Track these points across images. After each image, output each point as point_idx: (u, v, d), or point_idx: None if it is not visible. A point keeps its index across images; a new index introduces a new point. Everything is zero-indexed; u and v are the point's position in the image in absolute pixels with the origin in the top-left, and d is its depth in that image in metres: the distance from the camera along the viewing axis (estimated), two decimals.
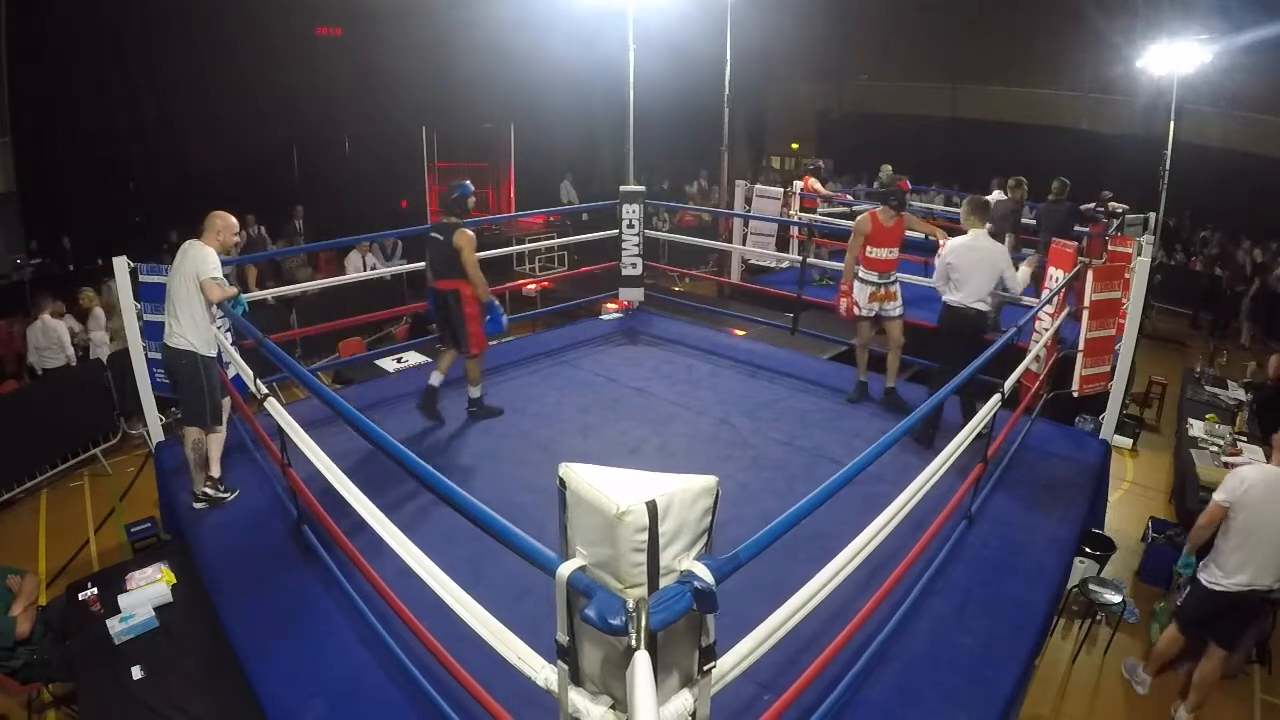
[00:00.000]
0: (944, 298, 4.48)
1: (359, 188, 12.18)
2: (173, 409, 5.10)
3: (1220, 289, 11.14)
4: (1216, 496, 3.41)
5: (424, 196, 12.40)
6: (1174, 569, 3.68)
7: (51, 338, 6.79)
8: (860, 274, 4.78)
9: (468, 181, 4.55)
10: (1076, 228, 6.85)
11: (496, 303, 4.41)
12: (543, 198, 12.87)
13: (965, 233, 4.41)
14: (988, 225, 4.44)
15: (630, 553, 1.33)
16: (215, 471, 3.81)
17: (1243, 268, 11.07)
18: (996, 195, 8.41)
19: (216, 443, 3.82)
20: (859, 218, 4.82)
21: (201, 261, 3.56)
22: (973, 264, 4.30)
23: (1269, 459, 3.52)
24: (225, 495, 3.81)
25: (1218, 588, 3.42)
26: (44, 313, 6.84)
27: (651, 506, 1.31)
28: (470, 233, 4.26)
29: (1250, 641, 4.01)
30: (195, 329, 3.62)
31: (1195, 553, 3.60)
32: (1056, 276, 5.11)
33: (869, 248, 4.72)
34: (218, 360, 3.83)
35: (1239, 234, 11.99)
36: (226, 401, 3.96)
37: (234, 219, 3.76)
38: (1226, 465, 4.98)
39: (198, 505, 3.74)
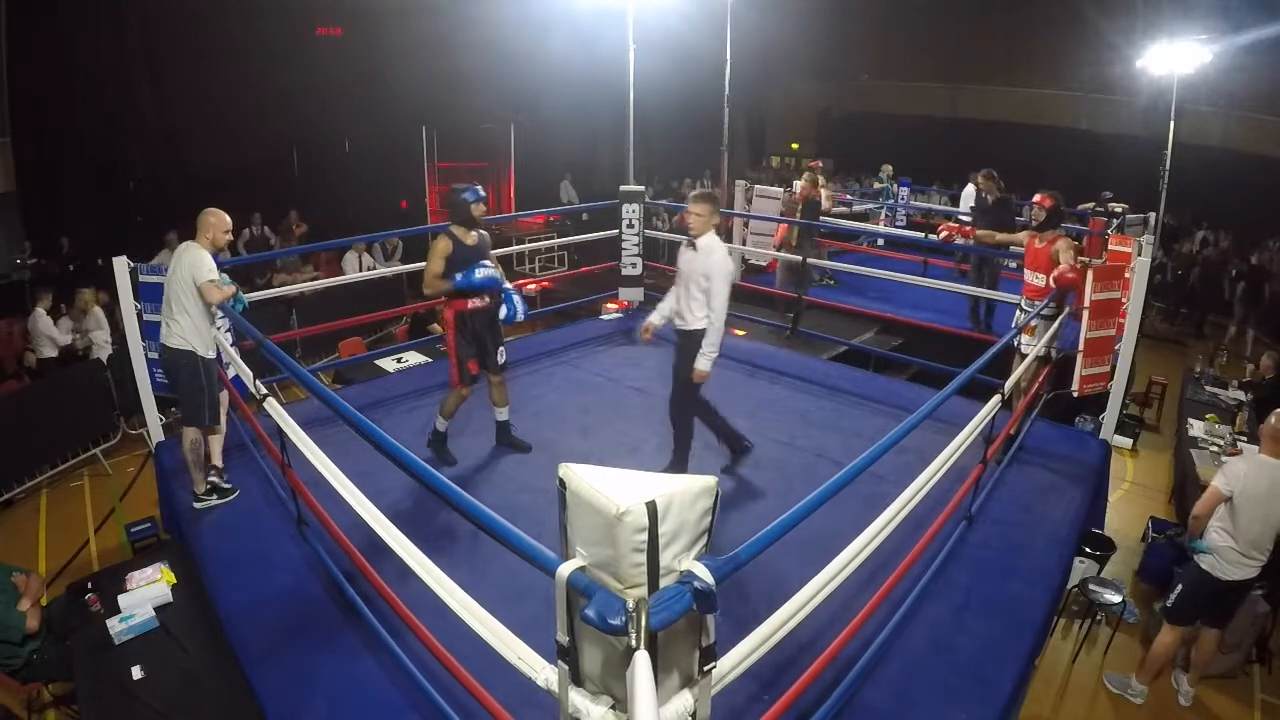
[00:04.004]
0: (692, 325, 3.72)
1: (359, 188, 12.18)
2: (173, 409, 5.10)
3: (1184, 286, 11.15)
4: (1216, 483, 3.52)
5: (424, 197, 12.41)
6: (1188, 546, 3.70)
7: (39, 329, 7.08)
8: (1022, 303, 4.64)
9: (476, 186, 3.97)
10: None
11: (509, 291, 3.92)
12: (543, 198, 12.87)
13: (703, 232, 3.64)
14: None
15: (630, 553, 1.33)
16: (218, 461, 3.84)
17: (1219, 265, 11.03)
18: (970, 189, 8.41)
19: (217, 441, 3.84)
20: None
21: (197, 264, 3.55)
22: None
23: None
24: (228, 486, 3.84)
25: (1224, 577, 3.54)
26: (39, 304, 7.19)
27: (651, 507, 1.31)
28: (443, 238, 3.84)
29: (1250, 639, 4.03)
30: (195, 330, 3.62)
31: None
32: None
33: (1024, 269, 4.57)
34: (218, 360, 3.83)
35: (1229, 232, 12.05)
36: (224, 396, 3.96)
37: (226, 216, 3.72)
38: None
39: (198, 505, 3.74)
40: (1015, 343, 4.25)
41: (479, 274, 3.79)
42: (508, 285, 4.00)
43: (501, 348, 4.14)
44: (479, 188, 3.97)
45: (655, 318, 3.97)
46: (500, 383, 4.22)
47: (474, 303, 3.92)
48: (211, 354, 3.73)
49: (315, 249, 9.34)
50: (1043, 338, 4.30)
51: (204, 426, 3.76)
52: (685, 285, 3.70)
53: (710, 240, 3.65)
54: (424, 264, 4.41)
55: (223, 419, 3.91)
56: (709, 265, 3.60)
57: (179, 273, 3.58)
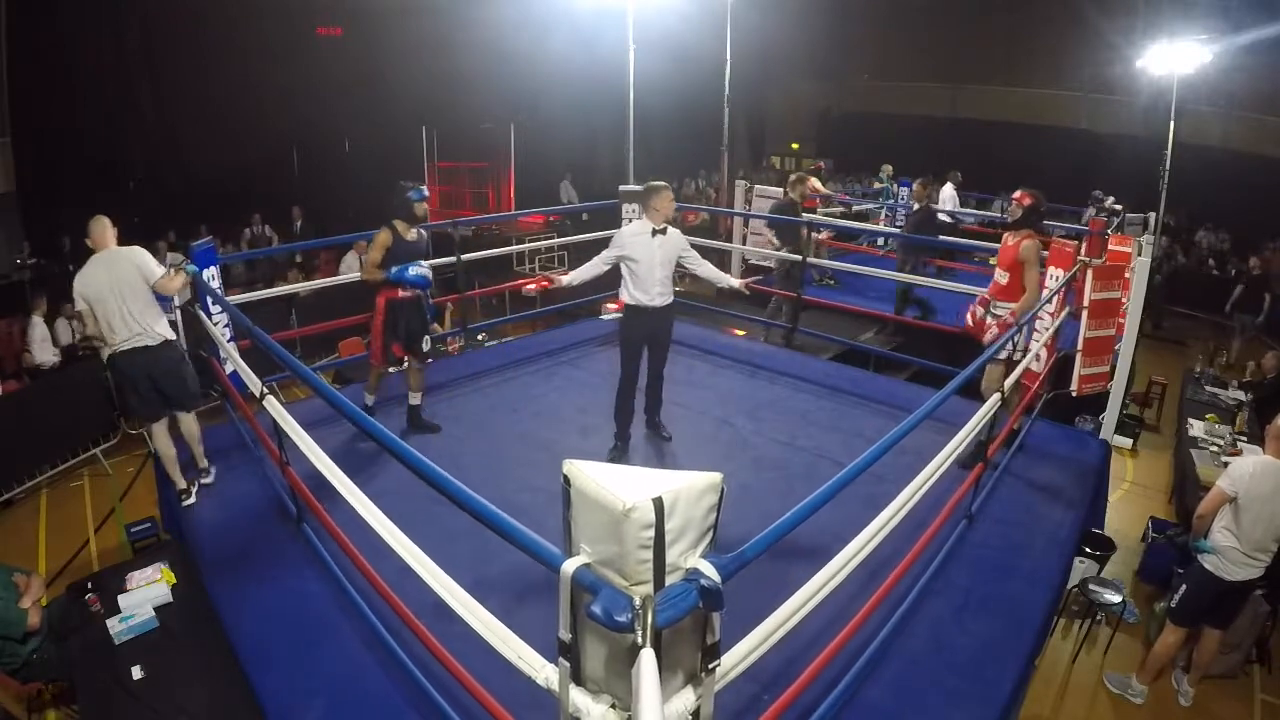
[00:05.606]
0: (671, 297, 4.16)
1: (359, 188, 12.17)
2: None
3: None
4: (1222, 484, 3.50)
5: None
6: (1191, 546, 3.69)
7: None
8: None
9: (422, 187, 4.24)
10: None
11: (410, 271, 4.09)
12: (543, 198, 12.86)
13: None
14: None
15: (636, 549, 1.32)
16: (203, 462, 3.91)
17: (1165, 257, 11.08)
18: (949, 189, 8.38)
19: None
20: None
21: (144, 263, 3.55)
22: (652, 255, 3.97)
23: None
24: (204, 466, 3.92)
25: (1228, 577, 3.53)
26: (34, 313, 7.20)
27: (658, 503, 1.31)
28: (385, 230, 4.09)
29: (1250, 639, 4.03)
30: (165, 323, 3.67)
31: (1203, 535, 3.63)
32: (1057, 275, 5.10)
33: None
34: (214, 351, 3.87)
35: (1226, 232, 12.08)
36: None
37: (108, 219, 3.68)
38: (1226, 465, 4.98)
39: (203, 481, 3.84)
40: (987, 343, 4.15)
41: (412, 271, 4.08)
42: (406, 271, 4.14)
43: (427, 336, 4.38)
44: (424, 189, 4.26)
45: (566, 279, 4.15)
46: (420, 369, 4.45)
47: (403, 293, 4.21)
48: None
49: (313, 246, 9.33)
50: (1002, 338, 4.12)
51: (199, 403, 3.83)
52: (661, 266, 4.02)
53: (636, 224, 4.05)
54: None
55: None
56: (681, 240, 4.09)
57: (128, 275, 3.51)
